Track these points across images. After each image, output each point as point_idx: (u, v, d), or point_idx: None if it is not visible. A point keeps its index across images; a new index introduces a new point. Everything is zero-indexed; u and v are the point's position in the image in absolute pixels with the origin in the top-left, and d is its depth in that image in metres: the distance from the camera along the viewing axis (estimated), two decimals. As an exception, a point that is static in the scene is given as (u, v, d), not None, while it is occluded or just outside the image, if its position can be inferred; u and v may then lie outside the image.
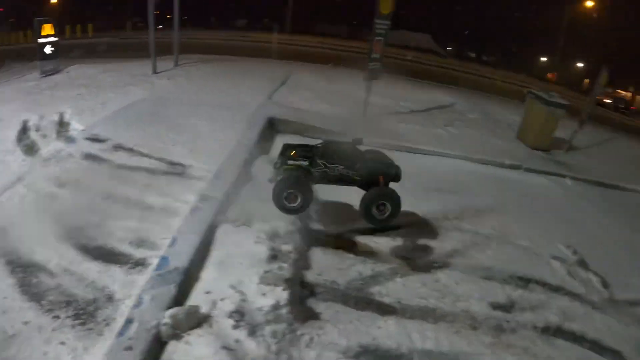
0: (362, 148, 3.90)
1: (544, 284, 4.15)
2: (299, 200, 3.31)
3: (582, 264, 4.55)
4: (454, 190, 5.55)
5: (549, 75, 41.25)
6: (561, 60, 40.65)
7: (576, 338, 3.55)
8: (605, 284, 4.49)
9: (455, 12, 37.15)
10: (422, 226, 4.53)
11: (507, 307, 3.71)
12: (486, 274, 4.10)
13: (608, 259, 5.02)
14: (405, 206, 3.65)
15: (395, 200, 3.42)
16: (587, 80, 43.17)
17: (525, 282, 4.05)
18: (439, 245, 4.25)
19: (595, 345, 3.55)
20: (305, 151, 3.48)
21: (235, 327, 2.62)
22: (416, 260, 3.95)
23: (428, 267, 3.91)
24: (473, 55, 42.78)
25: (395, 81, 10.95)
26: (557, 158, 8.11)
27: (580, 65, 44.48)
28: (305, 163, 3.38)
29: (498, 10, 35.72)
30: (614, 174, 7.93)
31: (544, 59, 46.88)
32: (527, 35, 39.83)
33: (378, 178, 3.44)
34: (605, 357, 3.44)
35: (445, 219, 4.78)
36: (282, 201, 3.31)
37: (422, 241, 4.28)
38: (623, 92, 52.63)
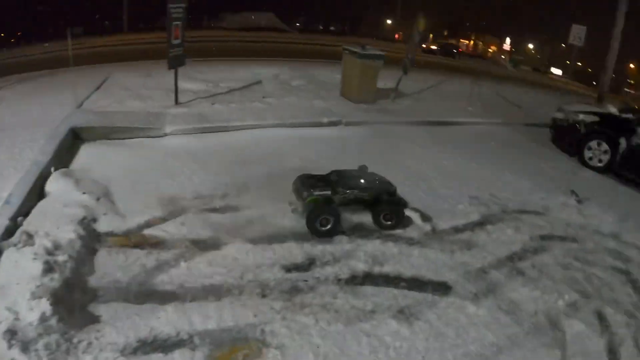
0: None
1: (351, 233, 4.16)
2: (330, 223, 3.96)
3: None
4: (260, 161, 5.44)
5: (396, 35, 44.75)
6: (403, 20, 44.45)
7: (389, 280, 3.64)
8: (425, 218, 4.70)
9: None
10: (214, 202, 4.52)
11: (304, 266, 3.67)
12: (281, 236, 3.99)
13: (432, 191, 5.49)
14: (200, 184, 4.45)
15: (399, 211, 4.34)
16: (431, 35, 48.54)
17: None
18: (231, 219, 4.20)
19: (414, 282, 3.69)
20: (322, 181, 4.17)
21: (9, 347, 2.55)
22: (206, 240, 3.86)
23: (217, 245, 3.82)
24: (321, 27, 44.49)
25: (220, 63, 11.07)
26: (384, 107, 8.56)
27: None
28: (329, 192, 4.05)
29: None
30: (438, 112, 8.89)
31: (389, 21, 50.96)
32: (369, 1, 42.75)
33: (382, 196, 4.23)
34: (426, 292, 3.57)
35: (244, 190, 4.74)
36: (317, 227, 3.93)
37: (214, 218, 4.21)
38: (465, 41, 59.72)
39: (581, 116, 8.24)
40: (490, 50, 61.14)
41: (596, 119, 8.10)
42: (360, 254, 3.90)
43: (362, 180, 4.34)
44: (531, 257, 4.38)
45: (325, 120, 7.61)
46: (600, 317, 3.76)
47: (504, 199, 5.63)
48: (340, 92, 9.24)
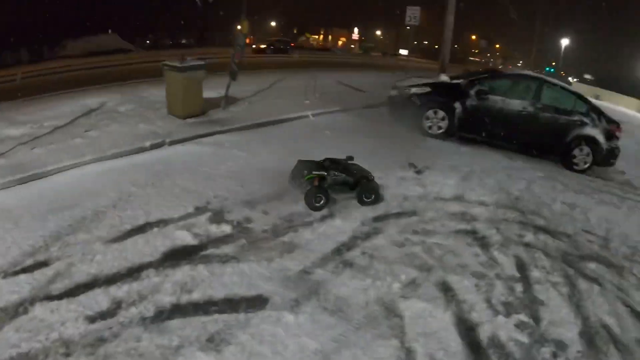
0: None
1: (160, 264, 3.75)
2: (323, 200, 4.83)
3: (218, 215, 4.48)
4: (74, 205, 4.86)
5: (247, 40, 45.22)
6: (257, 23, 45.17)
7: (198, 307, 3.29)
8: (242, 227, 4.36)
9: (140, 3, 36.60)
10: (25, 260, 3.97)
11: (110, 313, 3.24)
12: (88, 284, 3.48)
13: (251, 195, 5.15)
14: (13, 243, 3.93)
15: (377, 190, 5.23)
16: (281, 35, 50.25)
17: (135, 270, 3.68)
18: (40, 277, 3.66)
19: (226, 304, 3.35)
20: (318, 165, 5.10)
21: None
22: (14, 305, 3.34)
23: (25, 308, 3.32)
24: (170, 42, 43.30)
25: (50, 99, 10.08)
26: (215, 117, 8.23)
27: (273, 24, 51.55)
28: (325, 173, 4.93)
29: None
30: (273, 111, 8.79)
31: (239, 27, 51.38)
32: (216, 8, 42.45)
33: (362, 180, 5.11)
34: (239, 311, 3.29)
35: (55, 240, 4.15)
36: (313, 202, 4.79)
37: (23, 279, 3.69)
38: (315, 36, 62.37)
39: (413, 90, 8.65)
40: (340, 41, 64.36)
41: (428, 89, 8.56)
42: (167, 286, 3.54)
43: (348, 167, 5.25)
44: (361, 244, 4.28)
45: (147, 144, 7.12)
46: (445, 288, 3.78)
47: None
48: (168, 110, 8.81)
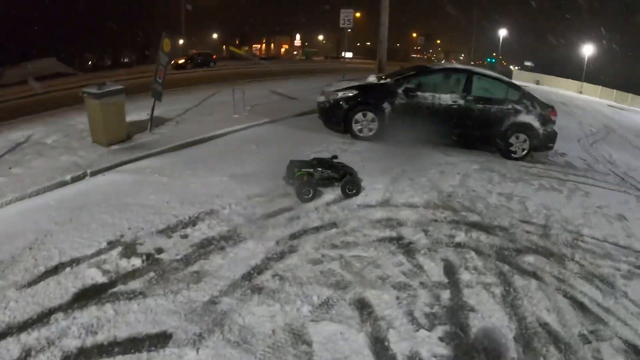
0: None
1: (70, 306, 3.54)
2: (311, 193, 5.46)
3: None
4: None
5: (193, 51, 45.02)
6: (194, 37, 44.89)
7: (103, 350, 3.09)
8: (150, 257, 4.12)
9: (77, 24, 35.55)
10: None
11: None
12: None
13: (167, 224, 4.83)
14: None
15: (358, 183, 5.80)
16: (224, 47, 50.17)
17: (46, 315, 3.45)
18: None
19: (130, 344, 3.14)
20: (306, 164, 5.82)
21: None
22: None
23: None
24: (109, 62, 42.36)
25: None
26: (140, 141, 7.88)
27: (215, 36, 51.71)
28: (312, 170, 5.66)
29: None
30: (200, 129, 8.57)
31: (181, 41, 51.36)
32: (153, 24, 41.73)
33: (346, 175, 5.72)
34: (142, 351, 3.10)
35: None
36: (302, 195, 5.43)
37: None
38: (257, 45, 62.44)
39: (340, 94, 8.44)
40: (282, 48, 64.65)
41: (355, 92, 8.36)
42: (74, 329, 3.27)
43: (333, 165, 5.89)
44: (274, 266, 4.00)
45: (68, 177, 6.68)
46: (362, 306, 3.51)
47: (249, 207, 5.23)
48: (92, 138, 8.40)
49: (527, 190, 6.65)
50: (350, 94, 8.30)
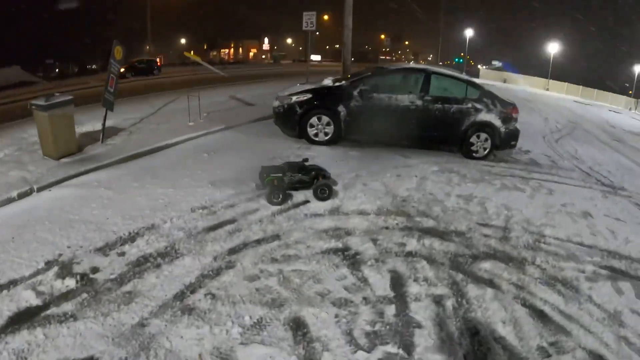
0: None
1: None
2: (280, 197, 5.49)
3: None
4: None
5: (158, 61, 44.31)
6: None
7: None
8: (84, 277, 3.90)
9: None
10: None
11: None
12: None
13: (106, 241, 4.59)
14: None
15: (330, 187, 5.71)
16: (191, 52, 49.75)
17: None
18: None
19: None
20: (277, 169, 5.93)
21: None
22: None
23: None
24: (76, 70, 41.62)
25: None
26: (92, 153, 7.62)
27: (183, 41, 51.44)
28: (280, 175, 5.74)
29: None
30: (154, 138, 8.32)
31: (147, 47, 50.85)
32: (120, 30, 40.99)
33: (319, 177, 5.86)
34: None
35: None
36: (272, 199, 5.46)
37: None
38: (225, 50, 62.09)
39: (294, 98, 8.19)
40: (251, 52, 64.55)
41: (310, 96, 8.12)
42: (5, 355, 3.11)
43: (304, 168, 5.95)
44: (208, 284, 3.74)
45: (14, 194, 6.28)
46: (297, 326, 3.25)
47: (190, 220, 4.92)
48: (42, 151, 8.02)
49: (487, 191, 6.48)
50: (304, 98, 8.06)
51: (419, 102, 8.05)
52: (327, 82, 8.62)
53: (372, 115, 7.96)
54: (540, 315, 3.69)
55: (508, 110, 8.45)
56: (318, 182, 5.75)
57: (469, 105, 8.20)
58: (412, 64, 10.31)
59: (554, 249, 4.92)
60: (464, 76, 8.73)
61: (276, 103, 8.48)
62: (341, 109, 7.94)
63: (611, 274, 4.56)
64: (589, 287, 4.22)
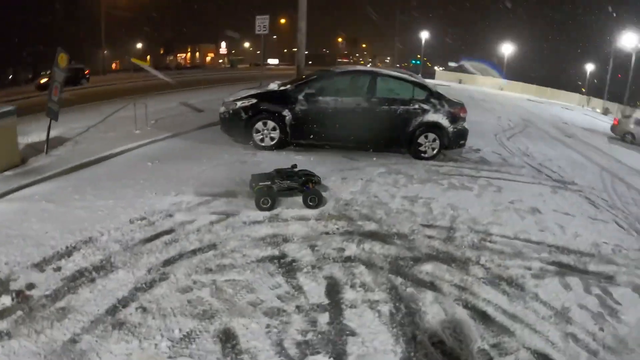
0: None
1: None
2: (269, 203, 5.53)
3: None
4: None
5: (113, 65, 43.47)
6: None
7: None
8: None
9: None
10: None
11: None
12: None
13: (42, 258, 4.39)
14: None
15: (319, 195, 5.79)
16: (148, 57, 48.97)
17: None
18: None
19: None
20: (266, 176, 5.94)
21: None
22: None
23: None
24: (30, 76, 40.21)
25: None
26: (35, 165, 7.36)
27: (139, 46, 50.73)
28: (269, 183, 5.77)
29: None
30: (99, 148, 8.11)
31: (106, 52, 49.67)
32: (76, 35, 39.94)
33: (309, 183, 5.92)
34: None
35: None
36: (261, 205, 5.49)
37: None
38: (182, 54, 61.30)
39: (239, 103, 8.11)
40: (208, 57, 63.98)
41: (254, 100, 8.06)
42: None
43: (292, 175, 6.02)
44: (140, 297, 3.65)
45: None
46: (226, 338, 3.18)
47: (128, 232, 4.78)
48: None
49: (434, 191, 6.53)
50: (248, 103, 8.00)
51: (366, 105, 8.08)
52: (273, 86, 8.56)
53: (319, 119, 7.95)
54: (482, 317, 3.69)
55: (456, 110, 8.55)
56: (307, 191, 5.80)
57: (416, 106, 8.28)
58: (358, 66, 10.31)
59: (499, 248, 4.95)
60: (410, 77, 8.79)
61: (222, 109, 8.38)
62: (286, 113, 7.90)
63: (559, 269, 4.60)
64: (535, 284, 4.25)
